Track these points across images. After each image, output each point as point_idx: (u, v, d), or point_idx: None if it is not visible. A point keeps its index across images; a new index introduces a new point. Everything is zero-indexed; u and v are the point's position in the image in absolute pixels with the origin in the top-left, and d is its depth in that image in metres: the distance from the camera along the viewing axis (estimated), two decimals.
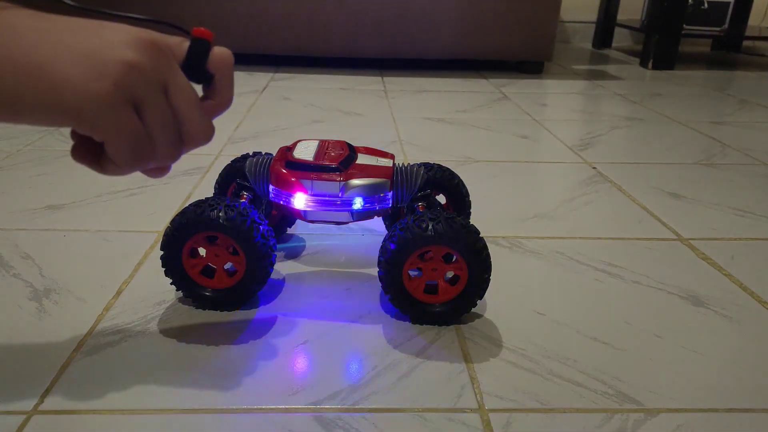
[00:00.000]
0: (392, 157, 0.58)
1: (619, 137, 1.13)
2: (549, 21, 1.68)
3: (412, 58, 1.72)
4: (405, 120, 1.19)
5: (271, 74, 1.60)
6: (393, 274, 0.50)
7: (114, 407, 0.41)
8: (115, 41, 0.31)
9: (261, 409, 0.42)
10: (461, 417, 0.42)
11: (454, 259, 0.50)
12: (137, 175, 0.79)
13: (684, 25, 1.90)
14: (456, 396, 0.44)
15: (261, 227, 0.50)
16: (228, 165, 0.63)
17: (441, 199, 0.65)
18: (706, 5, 2.04)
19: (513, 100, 1.40)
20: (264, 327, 0.51)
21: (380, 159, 0.56)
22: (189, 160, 0.90)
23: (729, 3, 2.06)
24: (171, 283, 0.52)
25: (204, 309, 0.53)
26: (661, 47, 1.84)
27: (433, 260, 0.50)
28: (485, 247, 0.49)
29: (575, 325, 0.53)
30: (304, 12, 1.62)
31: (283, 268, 0.61)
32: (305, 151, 0.55)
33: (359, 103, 1.32)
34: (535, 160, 0.99)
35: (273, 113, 1.21)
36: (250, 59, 1.70)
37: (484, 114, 1.27)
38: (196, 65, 0.34)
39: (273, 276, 0.59)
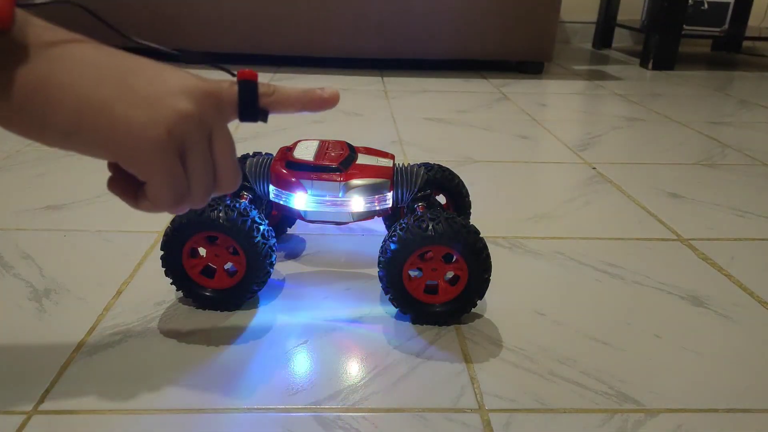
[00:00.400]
0: (392, 157, 0.58)
1: (619, 137, 1.13)
2: (549, 21, 1.68)
3: (412, 58, 1.72)
4: (405, 120, 1.19)
5: (271, 74, 1.60)
6: (393, 274, 0.50)
7: (114, 407, 0.41)
8: (174, 88, 0.32)
9: (261, 409, 0.42)
10: (461, 417, 0.42)
11: (454, 259, 0.50)
12: None
13: (684, 26, 1.90)
14: (456, 396, 0.44)
15: (261, 227, 0.50)
16: None
17: (441, 199, 0.64)
18: (706, 5, 2.04)
19: (513, 101, 1.40)
20: (264, 327, 0.51)
21: (380, 159, 0.56)
22: None
23: (729, 3, 2.06)
24: (171, 283, 0.52)
25: (204, 309, 0.53)
26: (661, 47, 1.84)
27: (433, 260, 0.50)
28: (485, 247, 0.49)
29: (575, 325, 0.53)
30: (304, 12, 1.62)
31: (283, 268, 0.61)
32: (305, 152, 0.55)
33: (359, 103, 1.32)
34: (535, 160, 0.99)
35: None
36: (250, 59, 1.70)
37: (484, 114, 1.27)
38: (249, 107, 0.36)
39: (273, 276, 0.59)
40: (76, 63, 0.31)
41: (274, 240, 0.52)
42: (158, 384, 0.44)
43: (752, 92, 1.59)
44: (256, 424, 0.40)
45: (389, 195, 0.55)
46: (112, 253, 0.62)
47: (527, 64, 1.75)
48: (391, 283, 0.50)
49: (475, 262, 0.49)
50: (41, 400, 0.42)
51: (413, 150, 1.00)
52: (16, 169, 0.85)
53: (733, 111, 1.36)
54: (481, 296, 0.51)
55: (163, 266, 0.51)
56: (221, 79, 0.36)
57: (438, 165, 0.63)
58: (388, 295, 0.51)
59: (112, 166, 0.35)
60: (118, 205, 0.74)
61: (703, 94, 1.55)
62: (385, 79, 1.61)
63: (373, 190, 0.54)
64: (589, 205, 0.80)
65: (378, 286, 0.57)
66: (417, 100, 1.38)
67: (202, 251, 0.51)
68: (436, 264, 0.50)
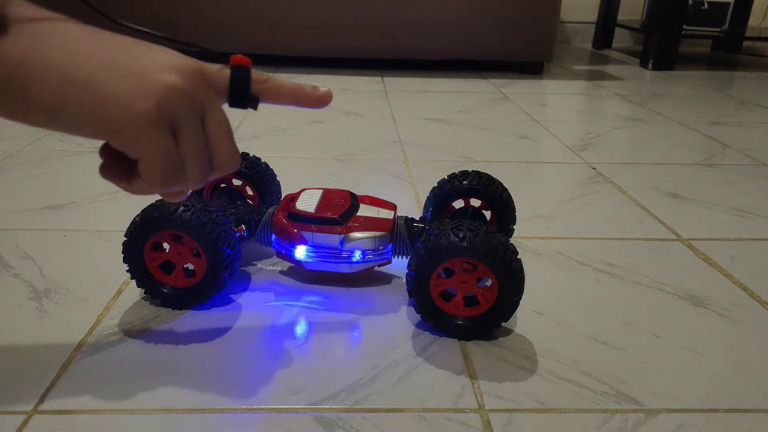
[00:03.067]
0: (394, 207, 0.58)
1: (619, 137, 1.13)
2: (549, 21, 1.68)
3: (412, 58, 1.72)
4: (405, 120, 1.19)
5: (271, 74, 1.60)
6: (420, 279, 0.49)
7: (114, 407, 0.41)
8: (162, 64, 0.32)
9: (261, 409, 0.42)
10: (461, 417, 0.42)
11: (486, 276, 0.48)
12: None
13: (684, 26, 1.90)
14: (456, 396, 0.44)
15: (229, 237, 0.51)
16: None
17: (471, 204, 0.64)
18: (706, 6, 2.04)
19: (513, 101, 1.40)
20: (264, 327, 0.51)
21: (381, 210, 0.57)
22: None
23: (729, 3, 2.06)
24: (127, 271, 0.52)
25: (157, 305, 0.53)
26: (661, 47, 1.84)
27: (466, 272, 0.49)
28: (521, 270, 0.47)
29: (575, 325, 0.53)
30: (304, 12, 1.62)
31: (283, 267, 0.61)
32: (308, 202, 0.56)
33: (359, 103, 1.32)
34: (535, 160, 0.99)
35: (273, 113, 1.21)
36: (250, 59, 1.69)
37: (484, 114, 1.27)
38: (240, 92, 0.35)
39: (273, 276, 0.59)
40: (60, 39, 0.30)
41: (240, 253, 0.53)
42: (158, 384, 0.44)
43: (752, 92, 1.59)
44: (256, 424, 0.40)
45: (389, 248, 0.56)
46: (112, 253, 0.62)
47: (527, 64, 1.75)
48: (416, 288, 0.49)
49: (507, 283, 0.47)
50: (41, 400, 0.42)
51: (413, 150, 1.00)
52: (16, 169, 0.85)
53: (733, 111, 1.36)
54: (506, 319, 0.49)
55: (122, 252, 0.51)
56: (212, 63, 0.36)
57: (475, 171, 0.61)
58: (412, 299, 0.50)
59: (104, 152, 0.34)
60: (118, 205, 0.74)
61: (703, 94, 1.55)
62: (385, 79, 1.61)
63: (372, 243, 0.54)
64: (589, 205, 0.80)
65: (378, 287, 0.57)
66: (417, 100, 1.38)
67: (166, 246, 0.52)
68: (466, 276, 0.49)
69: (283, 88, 0.38)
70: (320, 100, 0.39)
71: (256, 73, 0.36)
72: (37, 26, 0.30)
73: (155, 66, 0.32)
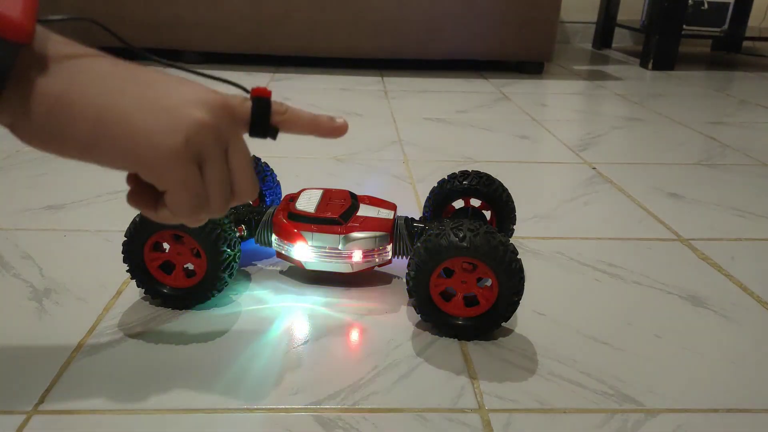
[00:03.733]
0: (394, 207, 0.58)
1: (619, 137, 1.13)
2: (549, 21, 1.68)
3: (412, 59, 1.72)
4: (405, 120, 1.19)
5: (271, 74, 1.60)
6: (420, 279, 0.49)
7: (114, 407, 0.41)
8: (190, 99, 0.33)
9: (261, 409, 0.42)
10: (461, 417, 0.42)
11: (486, 276, 0.48)
12: None
13: (684, 26, 1.90)
14: (456, 396, 0.44)
15: (229, 237, 0.51)
16: None
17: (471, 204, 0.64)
18: (706, 6, 2.04)
19: (513, 101, 1.40)
20: (264, 327, 0.51)
21: (381, 210, 0.57)
22: None
23: (729, 3, 2.06)
24: (127, 271, 0.52)
25: (157, 305, 0.53)
26: (661, 48, 1.84)
27: (465, 272, 0.49)
28: (521, 270, 0.47)
29: (575, 325, 0.53)
30: (304, 12, 1.62)
31: (283, 267, 0.61)
32: (308, 202, 0.56)
33: (359, 103, 1.32)
34: (535, 160, 0.99)
35: None
36: (250, 59, 1.70)
37: (484, 114, 1.27)
38: (261, 123, 0.37)
39: (274, 276, 0.59)
40: (95, 76, 0.32)
41: (240, 253, 0.53)
42: (158, 384, 0.44)
43: (752, 92, 1.59)
44: (256, 424, 0.40)
45: (389, 247, 0.56)
46: (112, 253, 0.62)
47: (527, 64, 1.75)
48: (416, 288, 0.49)
49: (507, 283, 0.47)
50: (41, 400, 0.42)
51: (413, 150, 1.00)
52: (16, 169, 0.85)
53: (733, 111, 1.36)
54: (506, 318, 0.49)
55: (122, 252, 0.51)
56: (234, 94, 0.37)
57: (475, 171, 0.61)
58: (412, 299, 0.50)
59: (131, 180, 0.35)
60: (118, 205, 0.74)
61: (703, 94, 1.55)
62: (385, 79, 1.61)
63: (372, 243, 0.54)
64: (589, 205, 0.80)
65: (378, 286, 0.57)
66: (417, 100, 1.38)
67: (166, 246, 0.52)
68: (466, 276, 0.49)
69: (301, 118, 0.39)
70: (337, 131, 0.40)
71: (276, 105, 0.37)
72: (74, 63, 0.31)
73: (184, 102, 0.33)
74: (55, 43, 0.32)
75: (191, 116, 0.32)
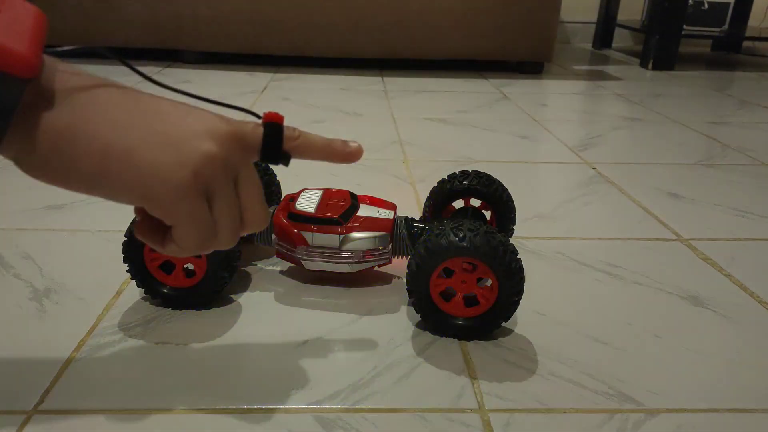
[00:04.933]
0: (394, 207, 0.58)
1: (619, 137, 1.13)
2: (549, 21, 1.68)
3: (412, 58, 1.72)
4: (405, 120, 1.19)
5: (271, 74, 1.60)
6: (420, 279, 0.49)
7: (114, 407, 0.41)
8: (198, 131, 0.32)
9: (261, 409, 0.42)
10: (461, 417, 0.42)
11: (486, 276, 0.48)
12: None
13: (684, 26, 1.90)
14: (456, 396, 0.44)
15: None
16: None
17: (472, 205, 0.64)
18: (706, 6, 2.04)
19: (513, 101, 1.40)
20: (264, 327, 0.51)
21: (381, 210, 0.57)
22: None
23: (729, 4, 2.06)
24: (127, 271, 0.52)
25: (157, 305, 0.53)
26: (661, 48, 1.84)
27: (466, 272, 0.49)
28: (521, 270, 0.47)
29: (575, 325, 0.53)
30: (304, 12, 1.62)
31: (283, 267, 0.61)
32: (308, 202, 0.56)
33: (359, 103, 1.32)
34: (535, 160, 0.99)
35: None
36: (250, 59, 1.70)
37: (484, 114, 1.27)
38: (273, 150, 0.36)
39: (273, 276, 0.59)
40: (101, 109, 0.31)
41: (240, 253, 0.53)
42: (158, 384, 0.44)
43: (752, 92, 1.59)
44: (256, 424, 0.40)
45: (389, 247, 0.56)
46: (112, 253, 0.62)
47: (527, 64, 1.75)
48: (416, 288, 0.49)
49: (507, 283, 0.47)
50: (41, 400, 0.42)
51: (413, 150, 1.00)
52: (16, 169, 0.85)
53: (733, 111, 1.37)
54: (506, 318, 0.49)
55: (122, 252, 0.51)
56: (245, 120, 0.36)
57: (475, 172, 0.61)
58: (412, 299, 0.50)
59: (140, 211, 0.35)
60: (118, 205, 0.74)
61: (703, 94, 1.55)
62: (385, 79, 1.61)
63: (372, 243, 0.54)
64: (589, 205, 0.80)
65: (378, 286, 0.57)
66: (417, 100, 1.38)
67: None
68: (466, 276, 0.49)
69: (314, 144, 0.38)
70: (351, 156, 0.39)
71: (288, 130, 0.37)
72: (81, 95, 0.31)
73: (192, 134, 0.32)
74: (61, 75, 0.31)
75: (199, 149, 0.32)
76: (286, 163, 0.37)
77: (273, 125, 0.36)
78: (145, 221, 0.35)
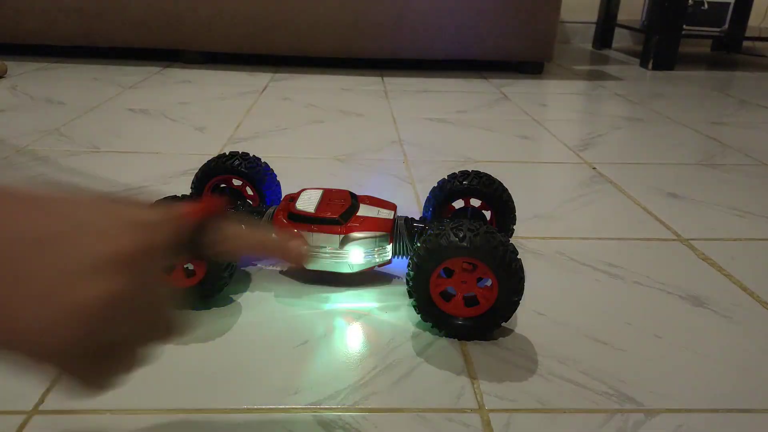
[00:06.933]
0: (394, 207, 0.58)
1: (619, 137, 1.13)
2: (549, 21, 1.68)
3: (412, 59, 1.72)
4: (405, 120, 1.19)
5: (271, 74, 1.60)
6: (420, 279, 0.49)
7: (114, 407, 0.41)
8: (97, 258, 0.23)
9: (261, 409, 0.42)
10: (461, 417, 0.42)
11: (486, 276, 0.48)
12: (136, 175, 0.79)
13: (684, 26, 1.90)
14: (456, 396, 0.44)
15: None
16: (204, 164, 0.64)
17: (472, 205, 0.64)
18: (706, 5, 2.04)
19: (513, 101, 1.40)
20: (264, 327, 0.51)
21: (381, 210, 0.57)
22: (188, 160, 0.90)
23: (729, 3, 2.06)
24: None
25: None
26: (661, 48, 1.84)
27: (465, 272, 0.49)
28: (521, 270, 0.47)
29: (575, 325, 0.53)
30: (304, 12, 1.62)
31: (283, 267, 0.61)
32: (308, 202, 0.56)
33: (359, 103, 1.32)
34: (535, 160, 0.99)
35: (273, 113, 1.21)
36: (250, 59, 1.70)
37: (484, 114, 1.27)
38: (189, 251, 0.29)
39: (274, 276, 0.59)
40: None
41: None
42: (158, 384, 0.44)
43: (752, 92, 1.59)
44: (256, 424, 0.40)
45: (389, 248, 0.56)
46: None
47: (527, 64, 1.75)
48: (416, 288, 0.49)
49: (507, 283, 0.47)
50: (41, 400, 0.42)
51: (413, 150, 1.00)
52: (15, 169, 0.85)
53: (733, 111, 1.36)
54: (506, 319, 0.49)
55: None
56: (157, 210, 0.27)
57: (475, 171, 0.61)
58: (412, 299, 0.50)
59: None
60: None
61: (703, 94, 1.55)
62: (385, 79, 1.61)
63: (372, 244, 0.54)
64: (589, 205, 0.80)
65: (378, 287, 0.57)
66: (417, 100, 1.38)
67: None
68: (466, 276, 0.49)
69: (242, 247, 0.31)
70: (296, 261, 0.33)
71: (213, 230, 0.29)
72: None
73: (82, 268, 0.23)
74: None
75: (91, 296, 0.23)
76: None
77: (195, 223, 0.28)
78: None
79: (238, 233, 0.30)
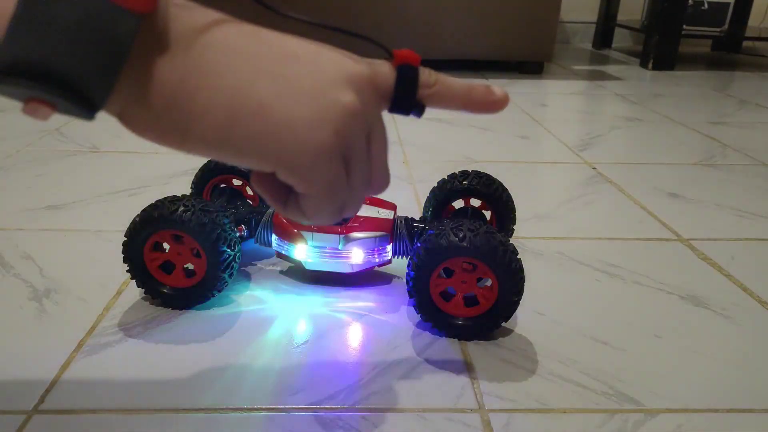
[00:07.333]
0: (394, 207, 0.58)
1: (619, 137, 1.13)
2: (549, 21, 1.68)
3: None
4: (405, 120, 1.19)
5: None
6: (420, 279, 0.48)
7: (114, 407, 0.41)
8: (334, 77, 0.27)
9: (261, 409, 0.42)
10: (461, 417, 0.42)
11: (486, 275, 0.48)
12: (136, 175, 0.79)
13: (684, 26, 1.90)
14: (456, 396, 0.44)
15: (229, 237, 0.51)
16: (204, 164, 0.64)
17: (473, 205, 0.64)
18: (706, 5, 2.04)
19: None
20: (264, 327, 0.51)
21: (381, 211, 0.57)
22: (188, 160, 0.90)
23: (729, 3, 2.06)
24: (127, 271, 0.52)
25: (157, 305, 0.53)
26: (661, 48, 1.84)
27: (465, 272, 0.49)
28: (521, 270, 0.47)
29: (575, 325, 0.53)
30: (304, 12, 1.61)
31: (283, 267, 0.61)
32: None
33: None
34: (535, 160, 0.99)
35: None
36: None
37: (484, 114, 1.27)
38: (405, 98, 0.30)
39: (274, 276, 0.59)
40: (223, 54, 0.26)
41: (240, 252, 0.53)
42: (158, 384, 0.44)
43: (752, 92, 1.59)
44: (256, 424, 0.40)
45: (389, 248, 0.56)
46: (112, 253, 0.62)
47: (527, 64, 1.75)
48: (416, 288, 0.49)
49: (507, 283, 0.47)
50: (41, 400, 0.42)
51: (413, 150, 1.00)
52: (16, 169, 0.85)
53: (733, 111, 1.36)
54: (506, 319, 0.49)
55: (122, 252, 0.51)
56: (378, 60, 0.30)
57: (475, 172, 0.61)
58: (412, 299, 0.50)
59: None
60: (118, 205, 0.74)
61: (703, 94, 1.55)
62: None
63: (372, 244, 0.54)
64: (589, 205, 0.80)
65: (378, 287, 0.57)
66: None
67: (166, 246, 0.52)
68: (466, 276, 0.49)
69: (452, 90, 0.31)
70: (496, 105, 0.33)
71: (425, 74, 0.31)
72: (198, 37, 0.25)
73: (328, 81, 0.27)
74: (176, 10, 0.25)
75: (339, 102, 0.27)
76: (419, 115, 0.31)
77: (408, 68, 0.30)
78: (265, 174, 0.29)
79: (441, 79, 0.32)
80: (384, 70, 0.30)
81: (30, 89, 0.22)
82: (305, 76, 0.27)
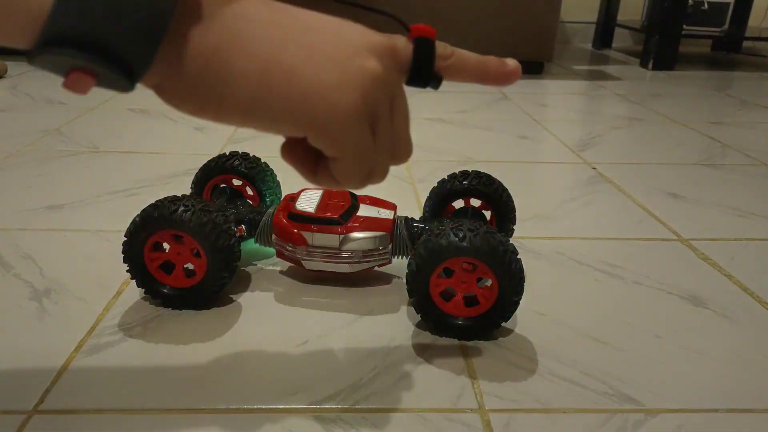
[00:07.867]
0: (394, 207, 0.58)
1: (619, 137, 1.13)
2: (549, 21, 1.68)
3: None
4: None
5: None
6: (420, 279, 0.48)
7: (114, 407, 0.41)
8: (358, 46, 0.29)
9: (261, 409, 0.42)
10: (461, 417, 0.42)
11: (486, 276, 0.48)
12: (136, 175, 0.79)
13: (684, 26, 1.90)
14: (456, 396, 0.44)
15: (229, 237, 0.51)
16: (204, 164, 0.64)
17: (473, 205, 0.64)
18: (706, 6, 2.04)
19: (513, 100, 1.40)
20: (264, 327, 0.51)
21: (381, 210, 0.57)
22: (188, 160, 0.90)
23: (729, 3, 2.06)
24: (127, 271, 0.52)
25: (157, 305, 0.53)
26: (661, 48, 1.84)
27: (465, 272, 0.49)
28: (521, 270, 0.47)
29: (575, 325, 0.53)
30: None
31: (283, 267, 0.61)
32: (308, 202, 0.56)
33: None
34: (535, 161, 0.99)
35: None
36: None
37: (484, 114, 1.27)
38: (423, 70, 0.31)
39: (274, 276, 0.59)
40: (253, 25, 0.27)
41: (240, 252, 0.53)
42: (158, 384, 0.44)
43: (752, 92, 1.59)
44: (257, 424, 0.40)
45: (389, 247, 0.56)
46: (112, 253, 0.62)
47: (527, 64, 1.75)
48: (416, 288, 0.49)
49: (507, 283, 0.47)
50: (41, 400, 0.42)
51: (413, 150, 1.00)
52: (16, 169, 0.85)
53: (733, 111, 1.37)
54: (506, 319, 0.49)
55: (122, 252, 0.51)
56: (397, 34, 0.32)
57: (475, 172, 0.61)
58: (412, 299, 0.50)
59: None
60: (118, 205, 0.74)
61: (703, 94, 1.55)
62: None
63: (372, 243, 0.54)
64: (589, 205, 0.80)
65: (378, 287, 0.57)
66: (417, 100, 1.38)
67: (166, 246, 0.52)
68: (466, 276, 0.49)
69: (468, 63, 0.33)
70: (510, 76, 0.34)
71: (441, 47, 0.32)
72: (228, 9, 0.27)
73: (353, 49, 0.28)
74: None
75: (364, 68, 0.28)
76: (436, 86, 0.32)
77: (424, 41, 0.31)
78: (294, 143, 0.30)
79: (456, 51, 0.33)
80: (402, 43, 0.31)
81: (75, 58, 0.23)
82: (331, 44, 0.28)
